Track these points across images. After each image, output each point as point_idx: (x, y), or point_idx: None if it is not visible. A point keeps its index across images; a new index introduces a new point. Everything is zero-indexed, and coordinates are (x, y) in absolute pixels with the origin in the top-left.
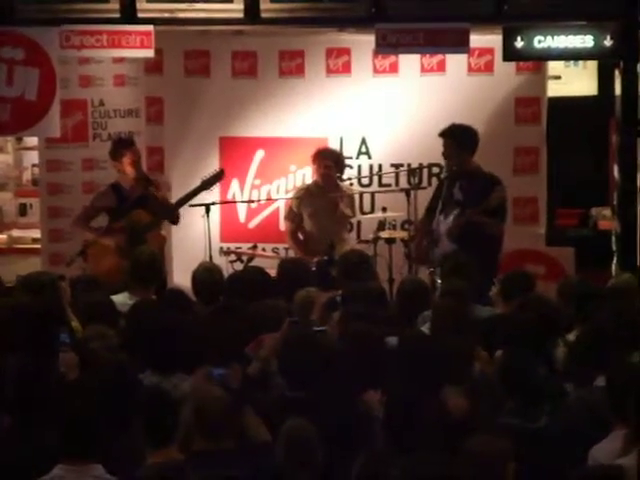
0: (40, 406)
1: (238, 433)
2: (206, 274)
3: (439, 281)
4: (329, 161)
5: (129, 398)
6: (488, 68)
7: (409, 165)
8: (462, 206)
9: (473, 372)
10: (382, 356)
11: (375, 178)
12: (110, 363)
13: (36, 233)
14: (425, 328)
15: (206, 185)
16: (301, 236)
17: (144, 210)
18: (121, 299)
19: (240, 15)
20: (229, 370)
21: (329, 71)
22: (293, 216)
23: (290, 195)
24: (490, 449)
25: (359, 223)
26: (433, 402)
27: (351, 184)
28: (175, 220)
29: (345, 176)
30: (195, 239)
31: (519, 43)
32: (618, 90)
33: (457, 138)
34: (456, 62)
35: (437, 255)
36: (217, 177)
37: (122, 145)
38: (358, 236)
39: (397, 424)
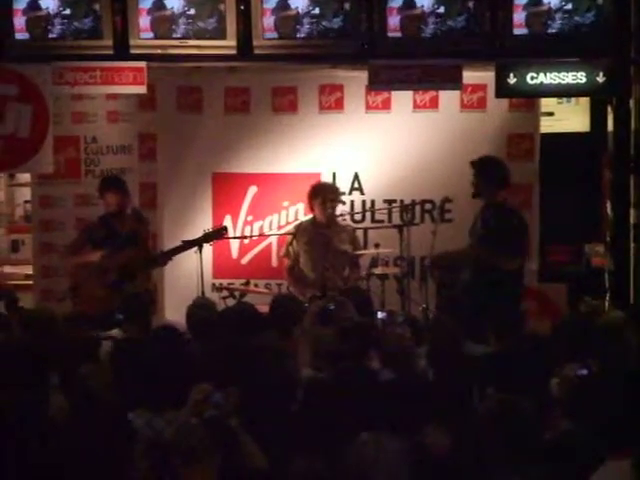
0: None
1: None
2: (201, 310)
3: (432, 317)
4: (334, 195)
5: (120, 442)
6: (481, 104)
7: (402, 201)
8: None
9: (468, 410)
10: (375, 394)
11: (368, 214)
12: (101, 405)
13: (28, 269)
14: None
15: (207, 238)
16: (299, 273)
17: (135, 248)
18: (113, 335)
19: (233, 52)
20: (225, 393)
21: (322, 107)
22: (290, 253)
23: (282, 231)
24: None
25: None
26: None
27: (344, 220)
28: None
29: (338, 212)
30: (187, 275)
31: (512, 80)
32: (611, 126)
33: (482, 171)
34: (449, 98)
35: (458, 286)
36: (219, 233)
37: (100, 187)
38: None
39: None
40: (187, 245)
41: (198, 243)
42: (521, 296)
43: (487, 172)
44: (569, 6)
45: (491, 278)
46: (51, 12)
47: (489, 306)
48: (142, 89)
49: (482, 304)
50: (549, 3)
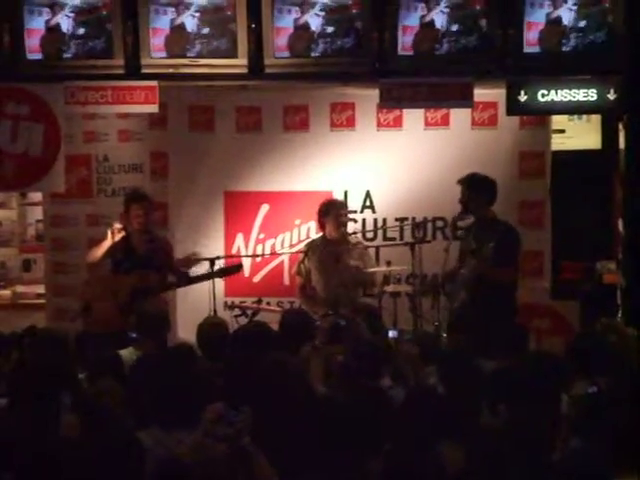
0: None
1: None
2: (212, 329)
3: (444, 335)
4: (345, 212)
5: (130, 461)
6: (492, 122)
7: (413, 219)
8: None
9: (478, 427)
10: (387, 411)
11: (379, 232)
12: (112, 425)
13: (40, 289)
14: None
15: (222, 274)
16: (311, 291)
17: (151, 270)
18: (126, 354)
19: (244, 70)
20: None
21: (333, 125)
22: (302, 271)
23: (295, 249)
24: None
25: None
26: (429, 456)
27: (355, 237)
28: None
29: (350, 230)
30: (199, 293)
31: (523, 97)
32: (622, 144)
33: (473, 187)
34: (460, 116)
35: (455, 305)
36: (235, 269)
37: (129, 198)
38: (363, 290)
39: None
40: (203, 278)
41: (212, 277)
42: (517, 309)
43: (478, 188)
44: (580, 24)
45: (490, 294)
46: (64, 32)
47: (492, 321)
48: (154, 108)
49: (484, 320)
50: (560, 21)
